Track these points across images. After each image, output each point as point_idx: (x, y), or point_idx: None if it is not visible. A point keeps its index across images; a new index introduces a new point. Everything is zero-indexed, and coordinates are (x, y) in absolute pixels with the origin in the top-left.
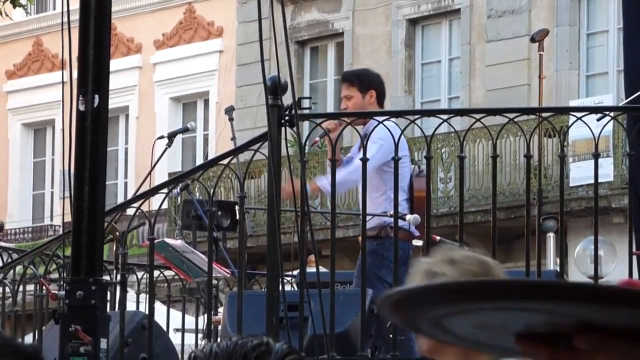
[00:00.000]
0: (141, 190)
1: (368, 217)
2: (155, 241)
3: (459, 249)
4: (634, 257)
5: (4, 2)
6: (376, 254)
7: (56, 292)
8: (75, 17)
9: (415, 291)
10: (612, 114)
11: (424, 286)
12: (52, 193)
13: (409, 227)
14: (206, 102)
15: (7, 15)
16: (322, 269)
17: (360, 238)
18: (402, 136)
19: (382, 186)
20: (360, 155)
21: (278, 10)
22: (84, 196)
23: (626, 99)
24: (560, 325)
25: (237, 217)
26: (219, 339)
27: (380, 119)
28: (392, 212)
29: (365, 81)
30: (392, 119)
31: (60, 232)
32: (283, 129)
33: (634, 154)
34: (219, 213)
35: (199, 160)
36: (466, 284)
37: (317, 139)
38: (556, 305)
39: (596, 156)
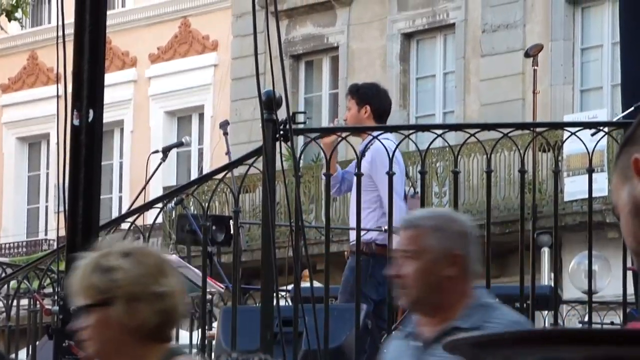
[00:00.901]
0: (136, 205)
1: (363, 233)
2: None
3: (134, 242)
4: (629, 272)
5: None
6: (362, 271)
7: (50, 307)
8: (70, 30)
9: (495, 337)
10: (606, 129)
11: (504, 333)
12: (46, 207)
13: None
14: (201, 116)
15: (2, 28)
16: (316, 284)
17: (345, 253)
18: (399, 153)
19: (373, 203)
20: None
21: (273, 25)
22: (78, 210)
23: (622, 113)
24: None
25: (232, 231)
26: (213, 354)
27: (375, 133)
28: (386, 227)
29: (363, 95)
30: (389, 136)
31: (55, 247)
32: (278, 143)
33: None
34: (214, 227)
35: (194, 175)
36: (554, 332)
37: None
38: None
39: (590, 171)
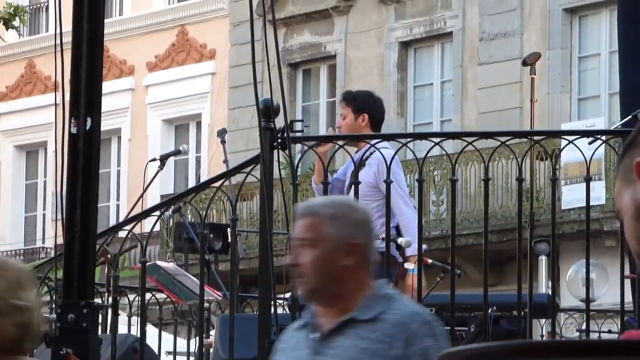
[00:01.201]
0: (133, 213)
1: None
2: (147, 264)
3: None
4: (626, 281)
5: None
6: None
7: (47, 315)
8: (68, 39)
9: (489, 349)
10: (604, 137)
11: (499, 345)
12: (44, 215)
13: (395, 252)
14: (198, 124)
15: (0, 37)
16: None
17: None
18: (400, 164)
19: (375, 212)
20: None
21: (271, 33)
22: (75, 218)
23: (620, 121)
24: None
25: (229, 239)
26: None
27: (379, 145)
28: (383, 236)
29: (360, 103)
30: (387, 144)
31: (52, 255)
32: (275, 151)
33: None
34: (211, 235)
35: (191, 183)
36: (552, 344)
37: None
38: None
39: (588, 179)
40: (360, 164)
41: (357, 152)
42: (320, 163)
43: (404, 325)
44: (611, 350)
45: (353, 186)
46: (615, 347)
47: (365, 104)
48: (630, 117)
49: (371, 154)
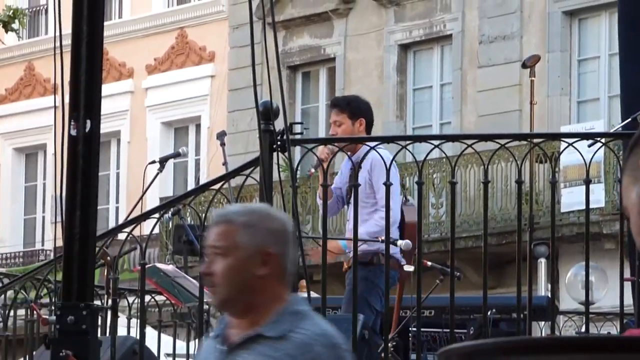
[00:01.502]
0: (132, 215)
1: (360, 243)
2: (147, 266)
3: None
4: (626, 283)
5: None
6: (368, 281)
7: (47, 317)
8: (67, 41)
9: (487, 345)
10: (603, 140)
11: (495, 341)
12: (43, 218)
13: (399, 255)
14: (198, 127)
15: None
16: (313, 294)
17: (345, 265)
18: (395, 165)
19: (368, 215)
20: (363, 181)
21: (270, 36)
22: (75, 221)
23: (621, 123)
24: None
25: None
26: None
27: (372, 144)
28: (383, 237)
29: (356, 109)
30: (383, 146)
31: (52, 257)
32: (275, 154)
33: None
34: None
35: (191, 185)
36: (545, 340)
37: (312, 170)
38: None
39: (587, 182)
40: (358, 168)
41: (351, 155)
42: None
43: (308, 346)
44: (609, 346)
45: (353, 189)
46: (612, 343)
47: (361, 109)
48: (630, 119)
49: (369, 154)
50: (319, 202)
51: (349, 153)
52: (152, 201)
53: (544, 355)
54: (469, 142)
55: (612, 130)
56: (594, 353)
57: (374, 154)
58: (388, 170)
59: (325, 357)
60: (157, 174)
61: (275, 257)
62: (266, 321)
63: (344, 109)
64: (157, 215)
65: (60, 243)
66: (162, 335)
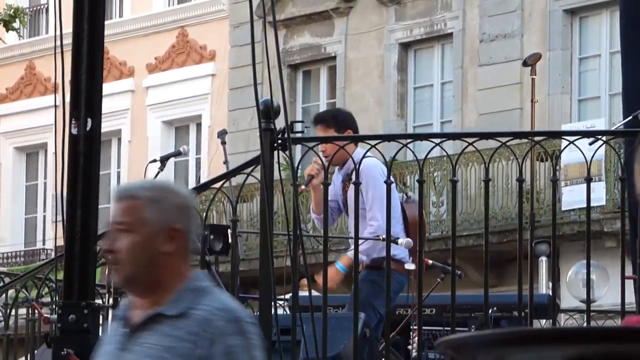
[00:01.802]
0: None
1: (361, 242)
2: None
3: None
4: (627, 281)
5: None
6: (375, 285)
7: (48, 315)
8: (68, 40)
9: (485, 337)
10: (604, 138)
11: (495, 332)
12: (44, 217)
13: (406, 257)
14: (198, 125)
15: (0, 39)
16: (314, 293)
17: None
18: (383, 173)
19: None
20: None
21: (271, 34)
22: (76, 220)
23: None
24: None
25: (230, 240)
26: None
27: (360, 154)
28: (384, 236)
29: (342, 121)
30: (369, 153)
31: (53, 256)
32: (275, 152)
33: (627, 178)
34: (211, 237)
35: (192, 184)
36: (539, 332)
37: (303, 187)
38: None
39: (588, 180)
40: (349, 179)
41: (340, 169)
42: (316, 194)
43: (209, 322)
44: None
45: (353, 187)
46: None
47: (348, 122)
48: (631, 117)
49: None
50: (314, 216)
51: (338, 168)
52: None
53: (539, 346)
54: (470, 140)
55: (613, 129)
56: (588, 344)
57: (364, 166)
58: (389, 169)
59: (227, 331)
60: (158, 172)
61: (181, 233)
62: (168, 300)
63: (330, 123)
64: None
65: (61, 242)
66: None
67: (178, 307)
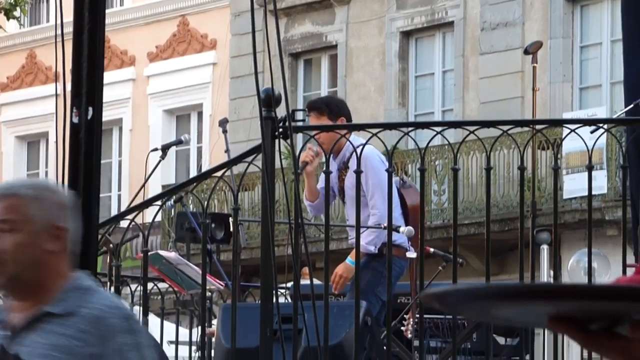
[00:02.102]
0: (135, 203)
1: (362, 230)
2: (149, 253)
3: None
4: (628, 269)
5: None
6: (377, 272)
7: None
8: (69, 29)
9: (470, 291)
10: (605, 126)
11: (479, 287)
12: None
13: (407, 244)
14: (200, 114)
15: (0, 27)
16: (316, 281)
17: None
18: (383, 162)
19: (366, 206)
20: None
21: (272, 23)
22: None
23: (624, 109)
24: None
25: (231, 229)
26: (212, 352)
27: (354, 141)
28: (385, 225)
29: (335, 108)
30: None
31: None
32: (277, 141)
33: (628, 167)
34: (213, 225)
35: (193, 173)
36: (536, 288)
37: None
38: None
39: (590, 168)
40: (345, 167)
41: (335, 157)
42: (310, 181)
43: (102, 320)
44: (591, 294)
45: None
46: (600, 291)
47: (340, 108)
48: (632, 105)
49: (351, 154)
50: (307, 203)
51: (334, 156)
52: (154, 189)
53: (515, 301)
54: (471, 128)
55: (614, 117)
56: (564, 300)
57: (363, 154)
58: (391, 157)
59: (120, 328)
60: (159, 161)
61: (64, 231)
62: (51, 299)
63: (323, 110)
64: (159, 202)
65: None
66: (165, 322)
67: (64, 305)
